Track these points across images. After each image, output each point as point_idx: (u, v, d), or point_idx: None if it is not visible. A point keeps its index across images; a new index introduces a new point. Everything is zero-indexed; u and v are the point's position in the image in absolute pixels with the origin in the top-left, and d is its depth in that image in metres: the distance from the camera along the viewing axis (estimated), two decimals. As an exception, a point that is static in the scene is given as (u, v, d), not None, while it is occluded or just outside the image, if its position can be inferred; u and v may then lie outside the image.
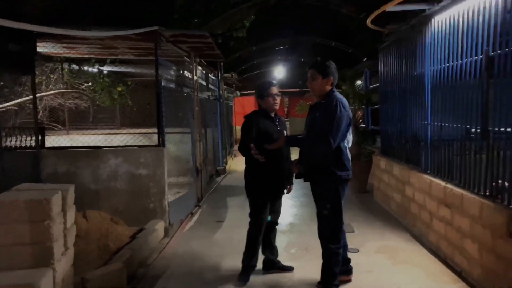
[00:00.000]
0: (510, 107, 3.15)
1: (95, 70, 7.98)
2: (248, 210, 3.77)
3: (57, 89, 8.36)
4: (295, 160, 3.55)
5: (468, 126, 3.76)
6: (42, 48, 5.65)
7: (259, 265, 3.85)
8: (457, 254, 3.79)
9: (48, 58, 6.84)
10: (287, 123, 23.01)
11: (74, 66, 7.66)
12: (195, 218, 5.92)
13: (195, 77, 7.00)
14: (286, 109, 23.74)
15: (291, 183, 3.90)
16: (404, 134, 5.51)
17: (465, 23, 3.81)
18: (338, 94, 3.37)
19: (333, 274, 3.34)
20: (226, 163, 11.02)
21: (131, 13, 8.90)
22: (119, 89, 8.35)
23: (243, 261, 3.75)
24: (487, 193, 3.40)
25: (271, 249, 3.90)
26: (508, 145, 3.13)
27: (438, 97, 4.43)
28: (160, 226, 4.85)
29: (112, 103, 8.64)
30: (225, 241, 4.79)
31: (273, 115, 3.80)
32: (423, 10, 4.64)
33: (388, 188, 6.09)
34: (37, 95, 5.68)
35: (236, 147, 9.16)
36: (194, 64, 6.95)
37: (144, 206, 4.98)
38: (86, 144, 5.39)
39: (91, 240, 4.15)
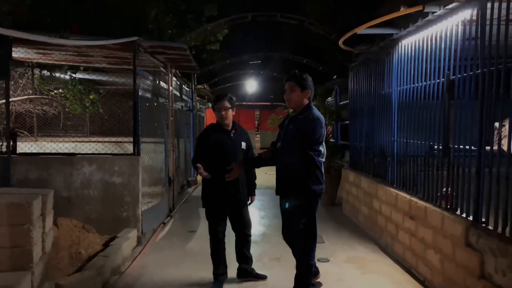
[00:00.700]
0: (468, 126, 3.45)
1: (67, 77, 7.85)
2: None
3: (25, 95, 8.16)
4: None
5: (431, 143, 4.05)
6: (16, 52, 5.55)
7: (234, 273, 3.95)
8: (421, 264, 4.01)
9: (19, 63, 6.70)
10: (257, 135, 23.19)
11: (45, 72, 7.52)
12: (167, 228, 5.91)
13: (171, 88, 7.05)
14: (257, 122, 24.06)
15: (253, 194, 4.00)
16: (372, 149, 5.78)
17: (429, 48, 4.13)
18: (316, 110, 3.45)
19: (307, 285, 3.45)
20: (197, 174, 11.01)
21: (103, 22, 8.89)
22: (91, 97, 8.24)
23: (212, 271, 3.86)
24: (448, 206, 3.66)
25: (245, 259, 3.99)
26: (467, 162, 3.40)
27: (404, 115, 4.72)
28: (133, 234, 4.84)
29: (83, 111, 8.50)
30: (198, 251, 4.83)
31: (229, 128, 3.84)
32: (391, 34, 4.95)
33: (356, 201, 6.32)
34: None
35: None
36: (170, 75, 7.01)
37: (117, 214, 4.96)
38: (55, 151, 5.29)
39: (61, 247, 4.10)
